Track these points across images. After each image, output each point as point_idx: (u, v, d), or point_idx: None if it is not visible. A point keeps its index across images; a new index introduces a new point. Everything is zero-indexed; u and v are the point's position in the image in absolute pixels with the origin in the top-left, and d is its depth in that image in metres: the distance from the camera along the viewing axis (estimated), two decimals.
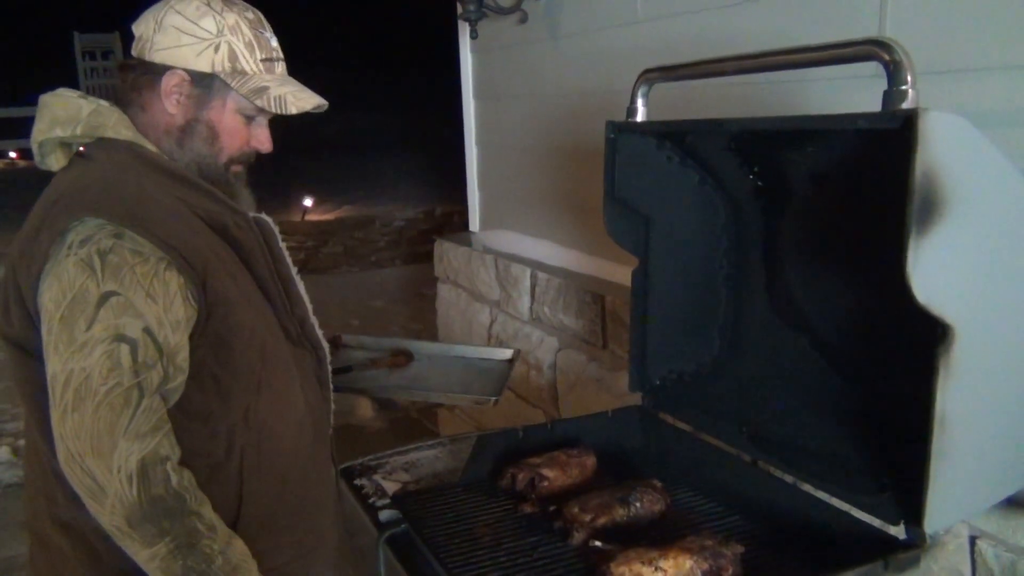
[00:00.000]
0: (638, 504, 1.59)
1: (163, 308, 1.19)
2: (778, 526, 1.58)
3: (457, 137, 4.03)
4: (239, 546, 1.26)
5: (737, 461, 1.73)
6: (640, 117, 1.76)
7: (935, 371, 1.19)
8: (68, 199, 1.23)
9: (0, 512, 3.70)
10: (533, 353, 3.17)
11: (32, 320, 1.22)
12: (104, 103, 1.34)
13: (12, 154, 13.89)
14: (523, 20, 3.27)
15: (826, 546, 1.47)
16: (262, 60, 1.36)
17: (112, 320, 1.15)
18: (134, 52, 1.35)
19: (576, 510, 1.55)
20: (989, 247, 1.21)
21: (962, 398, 1.21)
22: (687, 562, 1.35)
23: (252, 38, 1.34)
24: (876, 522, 1.43)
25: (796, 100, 2.04)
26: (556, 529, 1.57)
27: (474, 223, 4.04)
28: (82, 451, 1.14)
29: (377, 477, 1.77)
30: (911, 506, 1.29)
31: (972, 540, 1.64)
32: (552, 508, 1.62)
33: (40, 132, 1.31)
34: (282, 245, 1.44)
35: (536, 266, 3.20)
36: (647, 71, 1.75)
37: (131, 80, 1.35)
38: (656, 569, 1.33)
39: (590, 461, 1.79)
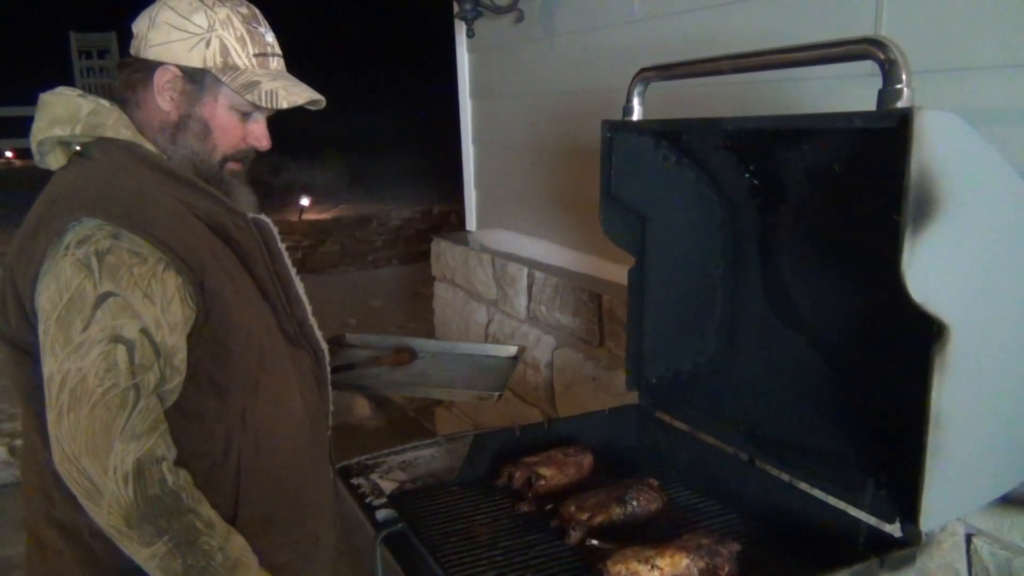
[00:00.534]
0: (635, 503, 1.59)
1: (161, 309, 1.18)
2: (774, 524, 1.58)
3: (454, 136, 4.03)
4: (238, 541, 1.26)
5: (733, 460, 1.74)
6: (636, 116, 1.77)
7: (930, 369, 1.19)
8: (66, 199, 1.23)
9: None
10: (530, 352, 3.17)
11: (29, 320, 1.22)
12: (104, 102, 1.33)
13: (8, 153, 13.86)
14: (519, 19, 3.27)
15: (822, 544, 1.47)
16: (255, 55, 1.34)
17: (109, 321, 1.15)
18: (131, 50, 1.35)
19: (573, 509, 1.56)
20: (984, 245, 1.21)
21: (957, 396, 1.21)
22: (683, 560, 1.36)
23: (244, 32, 1.33)
24: (872, 520, 1.43)
25: (792, 99, 2.04)
26: (553, 528, 1.57)
27: (471, 222, 4.04)
28: (78, 452, 1.14)
29: (374, 476, 1.77)
30: (907, 504, 1.29)
31: (968, 538, 1.64)
32: (549, 507, 1.62)
33: (39, 131, 1.30)
34: (281, 246, 1.44)
35: (533, 265, 3.20)
36: (643, 70, 1.75)
37: (127, 77, 1.35)
38: (652, 567, 1.34)
39: (587, 460, 1.79)
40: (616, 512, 1.57)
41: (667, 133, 1.76)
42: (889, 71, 1.20)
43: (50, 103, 1.32)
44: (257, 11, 1.38)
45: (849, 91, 1.86)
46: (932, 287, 1.16)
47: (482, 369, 2.00)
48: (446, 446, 1.93)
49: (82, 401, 1.13)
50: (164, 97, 1.32)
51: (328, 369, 1.51)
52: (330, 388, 1.53)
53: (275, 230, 1.43)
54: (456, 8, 3.32)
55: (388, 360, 1.99)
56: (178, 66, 1.31)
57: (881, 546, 1.36)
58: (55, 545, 1.32)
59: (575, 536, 1.51)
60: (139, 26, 1.34)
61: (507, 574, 1.45)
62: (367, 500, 1.64)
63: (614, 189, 1.80)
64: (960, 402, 1.22)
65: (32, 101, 1.35)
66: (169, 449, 1.20)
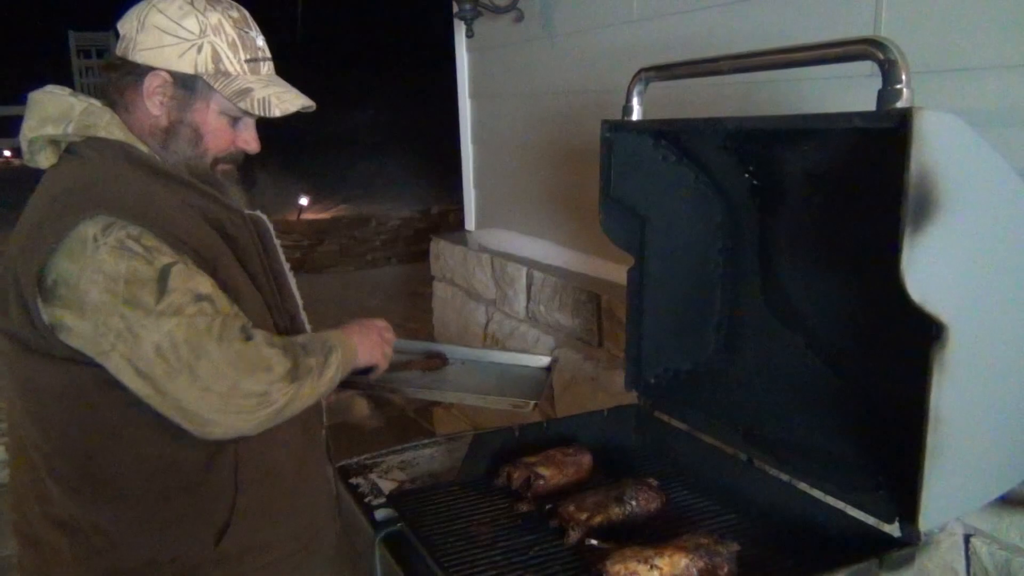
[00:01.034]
0: (634, 503, 1.59)
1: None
2: (773, 524, 1.58)
3: (453, 136, 4.03)
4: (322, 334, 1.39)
5: (733, 459, 1.74)
6: (636, 116, 1.77)
7: (929, 369, 1.19)
8: (74, 195, 1.22)
9: None
10: (529, 352, 3.16)
11: (31, 315, 1.21)
12: (96, 102, 1.33)
13: (7, 153, 13.81)
14: (519, 19, 3.27)
15: (821, 544, 1.47)
16: (247, 60, 1.34)
17: (183, 285, 1.17)
18: (118, 51, 1.34)
19: (572, 509, 1.56)
20: (984, 246, 1.21)
21: (956, 396, 1.21)
22: (683, 560, 1.36)
23: (236, 38, 1.33)
24: (871, 520, 1.43)
25: (791, 99, 2.04)
26: (552, 528, 1.57)
27: (470, 222, 4.04)
28: (234, 381, 1.16)
29: (373, 476, 1.77)
30: (906, 504, 1.29)
31: (966, 538, 1.65)
32: (548, 507, 1.62)
33: (30, 129, 1.30)
34: (276, 242, 1.44)
35: (532, 265, 3.20)
36: (643, 70, 1.75)
37: (115, 80, 1.34)
38: (652, 567, 1.34)
39: (586, 460, 1.79)
40: (615, 512, 1.57)
41: (666, 133, 1.76)
42: (888, 71, 1.20)
43: (41, 101, 1.31)
44: (247, 14, 1.38)
45: (848, 91, 1.86)
46: (931, 287, 1.16)
47: (515, 378, 1.94)
48: (445, 446, 1.93)
49: (205, 341, 1.16)
50: (154, 102, 1.32)
51: None
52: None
53: (270, 226, 1.43)
54: (455, 8, 3.32)
55: (419, 365, 1.96)
56: (169, 71, 1.31)
57: (880, 546, 1.36)
58: (53, 543, 1.31)
59: (574, 536, 1.51)
60: (126, 27, 1.33)
61: (506, 574, 1.45)
62: (366, 500, 1.64)
63: (613, 189, 1.80)
64: (959, 402, 1.22)
65: None
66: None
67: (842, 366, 1.64)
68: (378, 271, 9.05)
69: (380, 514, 1.58)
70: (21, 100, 1.36)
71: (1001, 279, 1.24)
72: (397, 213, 9.56)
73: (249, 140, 1.41)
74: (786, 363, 1.74)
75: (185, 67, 1.31)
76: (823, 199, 1.57)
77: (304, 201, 9.68)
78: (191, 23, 1.30)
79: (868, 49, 1.24)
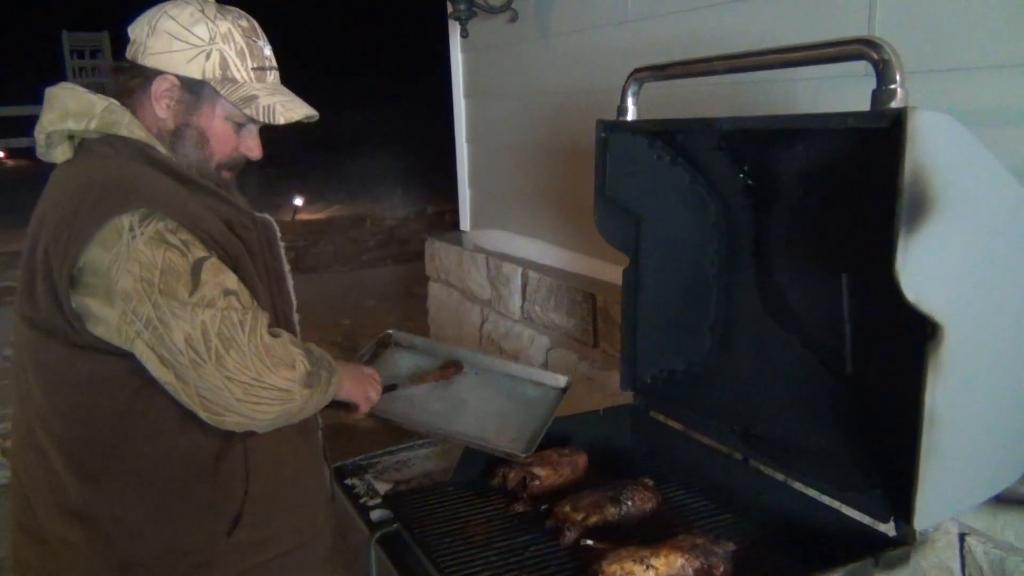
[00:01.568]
0: (629, 503, 1.59)
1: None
2: (769, 524, 1.58)
3: (448, 136, 4.03)
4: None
5: (728, 459, 1.74)
6: (631, 116, 1.77)
7: (924, 369, 1.20)
8: (108, 187, 1.24)
9: None
10: (524, 352, 3.17)
11: (61, 304, 1.22)
12: (115, 102, 1.34)
13: (0, 153, 13.75)
14: (513, 19, 3.27)
15: (817, 543, 1.47)
16: (253, 68, 1.37)
17: (214, 279, 1.21)
18: (128, 55, 1.36)
19: (568, 509, 1.56)
20: (978, 246, 1.22)
21: (951, 396, 1.22)
22: (678, 560, 1.36)
23: (244, 46, 1.36)
24: (866, 519, 1.44)
25: (786, 99, 2.05)
26: (548, 528, 1.57)
27: (465, 222, 4.04)
28: (257, 374, 1.19)
29: (368, 477, 1.76)
30: (901, 503, 1.29)
31: (961, 537, 1.65)
32: (543, 507, 1.62)
33: (50, 123, 1.31)
34: (281, 244, 1.48)
35: (527, 265, 3.20)
36: (637, 70, 1.75)
37: (122, 82, 1.36)
38: (647, 567, 1.34)
39: (581, 460, 1.79)
40: (611, 512, 1.57)
41: (661, 133, 1.76)
42: (883, 71, 1.21)
43: (59, 96, 1.33)
44: (256, 24, 1.41)
45: (843, 91, 1.86)
46: (925, 287, 1.16)
47: (525, 402, 1.87)
48: (441, 447, 1.93)
49: (235, 333, 1.19)
50: (161, 105, 1.34)
51: None
52: None
53: (277, 229, 1.47)
54: (450, 8, 3.32)
55: (435, 376, 1.92)
56: (177, 76, 1.33)
57: (875, 545, 1.36)
58: (65, 537, 1.31)
59: (570, 536, 1.51)
60: (137, 32, 1.35)
61: (502, 575, 1.45)
62: (362, 500, 1.64)
63: (608, 189, 1.80)
64: (954, 401, 1.22)
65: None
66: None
67: (837, 365, 1.64)
68: (373, 271, 9.04)
69: (376, 515, 1.58)
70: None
71: (995, 278, 1.24)
72: (392, 213, 9.55)
73: (252, 147, 1.44)
74: (781, 363, 1.75)
75: (193, 72, 1.33)
76: (818, 199, 1.57)
77: (299, 202, 9.67)
78: (201, 30, 1.32)
79: (862, 49, 1.24)
